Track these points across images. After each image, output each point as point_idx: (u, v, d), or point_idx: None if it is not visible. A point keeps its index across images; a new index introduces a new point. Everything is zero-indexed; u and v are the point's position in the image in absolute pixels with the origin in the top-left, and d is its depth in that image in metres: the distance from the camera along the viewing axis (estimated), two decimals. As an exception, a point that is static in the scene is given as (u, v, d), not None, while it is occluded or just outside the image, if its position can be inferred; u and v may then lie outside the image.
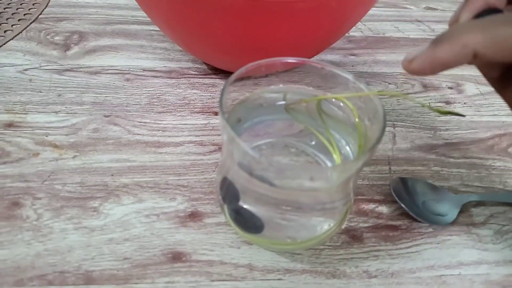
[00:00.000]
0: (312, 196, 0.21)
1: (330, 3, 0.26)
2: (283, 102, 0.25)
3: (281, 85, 0.24)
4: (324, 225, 0.23)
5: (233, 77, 0.21)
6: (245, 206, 0.22)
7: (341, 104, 0.24)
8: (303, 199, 0.21)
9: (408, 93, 0.38)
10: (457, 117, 0.37)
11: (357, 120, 0.23)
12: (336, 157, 0.24)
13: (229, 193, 0.22)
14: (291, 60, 0.23)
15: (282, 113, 0.25)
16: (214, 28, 0.28)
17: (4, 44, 0.39)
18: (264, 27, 0.27)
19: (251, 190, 0.21)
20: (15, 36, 0.40)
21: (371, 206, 0.28)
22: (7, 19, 0.43)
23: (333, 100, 0.24)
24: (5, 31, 0.41)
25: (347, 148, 0.24)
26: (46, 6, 0.45)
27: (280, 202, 0.21)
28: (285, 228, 0.23)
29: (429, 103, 0.38)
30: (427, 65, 0.17)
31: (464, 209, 0.28)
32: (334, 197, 0.22)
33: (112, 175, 0.28)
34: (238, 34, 0.28)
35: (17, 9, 0.44)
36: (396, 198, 0.27)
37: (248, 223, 0.22)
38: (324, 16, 0.27)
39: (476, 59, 0.16)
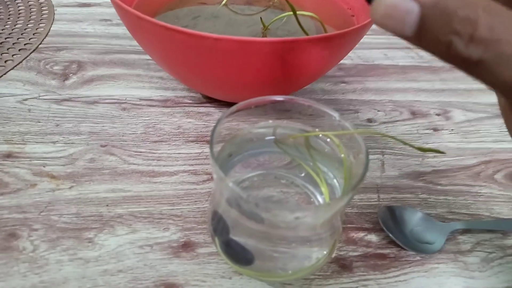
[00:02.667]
0: (300, 231, 0.21)
1: (315, 44, 0.27)
2: (272, 137, 0.26)
3: (270, 121, 0.25)
4: (314, 256, 0.23)
5: (222, 118, 0.22)
6: (235, 238, 0.22)
7: (328, 139, 0.25)
8: (291, 234, 0.22)
9: (396, 120, 0.40)
10: (444, 143, 0.38)
11: (342, 155, 0.24)
12: (323, 189, 0.25)
13: (219, 225, 0.23)
14: (279, 98, 0.24)
15: (272, 146, 0.26)
16: (207, 66, 0.29)
17: (4, 74, 0.40)
18: (255, 65, 0.28)
19: (241, 225, 0.22)
20: (15, 66, 0.42)
21: (360, 234, 0.29)
22: (8, 49, 0.44)
23: (320, 135, 0.25)
24: (5, 61, 0.42)
25: (335, 181, 0.25)
26: (46, 36, 0.47)
27: (269, 236, 0.22)
28: (276, 260, 0.23)
29: (417, 130, 0.39)
30: (392, 23, 0.15)
31: (451, 236, 0.29)
32: (321, 231, 0.22)
33: (107, 206, 0.29)
34: (229, 72, 0.29)
35: (18, 38, 0.46)
36: (384, 228, 0.28)
37: (238, 256, 0.23)
38: (310, 54, 0.28)
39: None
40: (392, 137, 0.22)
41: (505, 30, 0.14)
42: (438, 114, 0.41)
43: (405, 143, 0.21)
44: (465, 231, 0.30)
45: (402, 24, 0.15)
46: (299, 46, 0.27)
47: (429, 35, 0.14)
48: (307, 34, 0.34)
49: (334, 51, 0.30)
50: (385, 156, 0.35)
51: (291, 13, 0.34)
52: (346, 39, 0.29)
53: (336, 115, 0.23)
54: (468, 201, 0.32)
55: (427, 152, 0.36)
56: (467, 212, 0.31)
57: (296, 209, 0.19)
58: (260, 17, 0.36)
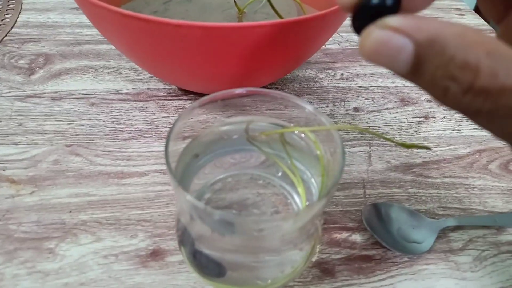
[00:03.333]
0: (270, 241, 0.19)
1: (288, 27, 0.24)
2: (243, 134, 0.23)
3: (239, 117, 0.23)
4: (291, 263, 0.21)
5: (182, 116, 0.19)
6: (202, 250, 0.20)
7: (303, 135, 0.22)
8: (262, 244, 0.19)
9: (385, 109, 0.37)
10: (436, 132, 0.36)
11: (319, 153, 0.21)
12: (300, 190, 0.23)
13: (184, 235, 0.21)
14: (247, 91, 0.21)
15: (245, 144, 0.24)
16: (174, 56, 0.26)
17: (-35, 70, 0.38)
18: (227, 53, 0.26)
19: (206, 237, 0.19)
20: (-23, 61, 0.39)
21: (344, 235, 0.27)
22: (-30, 42, 0.41)
23: (296, 131, 0.23)
24: (-33, 56, 0.39)
25: (312, 180, 0.23)
26: (12, 27, 0.44)
27: (238, 248, 0.20)
28: (251, 270, 0.21)
29: (406, 118, 0.37)
30: (381, 60, 0.13)
31: (441, 234, 0.27)
32: (295, 238, 0.20)
33: (70, 212, 0.27)
34: (200, 62, 0.27)
35: (-19, 31, 0.43)
36: (368, 228, 0.26)
37: (208, 268, 0.21)
38: (284, 40, 0.25)
39: None
40: (371, 132, 0.19)
41: (511, 77, 0.11)
42: (429, 101, 0.39)
43: (386, 139, 0.19)
44: (456, 228, 0.28)
45: (393, 62, 0.13)
46: (270, 31, 0.24)
47: (425, 76, 0.13)
48: (281, 18, 0.31)
49: (313, 36, 0.28)
50: (372, 148, 0.33)
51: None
52: (325, 22, 0.26)
53: (311, 108, 0.21)
54: (461, 195, 0.30)
55: (417, 141, 0.34)
56: (459, 206, 0.29)
57: (261, 221, 0.17)
58: (234, 0, 0.34)
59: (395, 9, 0.14)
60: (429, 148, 0.19)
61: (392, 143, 0.34)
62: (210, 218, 0.17)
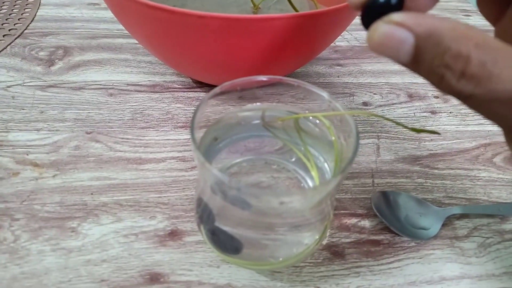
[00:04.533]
0: (288, 217, 0.20)
1: (305, 20, 0.26)
2: (260, 121, 0.25)
3: (258, 103, 0.24)
4: (304, 242, 0.23)
5: (204, 100, 0.21)
6: (221, 227, 0.21)
7: (318, 121, 0.24)
8: (279, 220, 0.21)
9: (393, 103, 0.38)
10: (442, 126, 0.37)
11: (333, 138, 0.22)
12: (314, 174, 0.24)
13: (205, 213, 0.22)
14: (264, 78, 0.22)
15: (261, 130, 0.25)
16: (194, 46, 0.28)
17: (-12, 60, 0.39)
18: (244, 45, 0.27)
19: (226, 212, 0.21)
20: (-1, 52, 0.40)
21: (354, 220, 0.28)
22: (-8, 34, 0.43)
23: (311, 117, 0.24)
24: (-11, 47, 0.41)
25: (326, 165, 0.24)
26: (31, 21, 0.45)
27: (256, 223, 0.21)
28: (265, 248, 0.22)
29: (414, 113, 0.38)
30: (388, 50, 0.15)
31: (447, 222, 0.28)
32: (311, 216, 0.21)
33: (91, 194, 0.28)
34: (218, 53, 0.28)
35: (2, 24, 0.44)
36: (377, 213, 0.27)
37: (225, 244, 0.22)
38: (300, 33, 0.27)
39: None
40: (384, 117, 0.20)
41: (498, 66, 0.13)
42: (436, 97, 0.40)
43: (397, 123, 0.20)
44: (462, 216, 0.29)
45: (396, 53, 0.15)
46: (287, 24, 0.25)
47: (424, 65, 0.15)
48: (297, 11, 0.33)
49: (326, 30, 0.29)
50: (380, 140, 0.34)
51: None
52: (338, 16, 0.28)
53: (325, 95, 0.22)
54: (466, 185, 0.31)
55: (424, 135, 0.35)
56: (464, 196, 0.30)
57: (281, 194, 0.18)
58: (250, -4, 0.35)
59: (399, 7, 0.16)
60: (438, 133, 0.20)
61: (399, 137, 0.35)
62: (232, 192, 0.18)
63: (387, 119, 0.21)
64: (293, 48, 0.29)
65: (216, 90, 0.22)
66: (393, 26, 0.15)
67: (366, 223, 0.28)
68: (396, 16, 0.15)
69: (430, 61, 0.14)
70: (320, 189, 0.18)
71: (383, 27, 0.15)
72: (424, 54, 0.14)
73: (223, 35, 0.26)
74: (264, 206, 0.19)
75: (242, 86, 0.23)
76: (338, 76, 0.41)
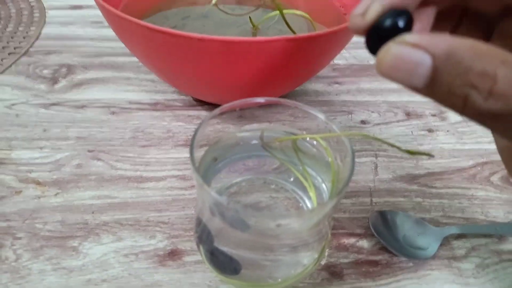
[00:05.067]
0: (285, 238, 0.21)
1: (302, 42, 0.26)
2: (259, 140, 0.25)
3: (255, 124, 0.25)
4: (302, 263, 0.23)
5: (204, 121, 0.21)
6: (219, 247, 0.22)
7: (315, 142, 0.24)
8: (276, 241, 0.21)
9: (390, 122, 0.39)
10: (440, 145, 0.37)
11: (330, 159, 0.23)
12: (312, 194, 0.24)
13: (203, 233, 0.22)
14: (262, 100, 0.23)
15: (260, 150, 0.26)
16: (194, 67, 0.28)
17: (-7, 78, 0.40)
18: (243, 66, 0.28)
19: (225, 233, 0.21)
20: (4, 70, 0.41)
21: (352, 240, 0.28)
22: (-3, 53, 0.44)
23: (308, 138, 0.24)
24: (-6, 66, 0.41)
25: (323, 185, 0.24)
26: (36, 39, 0.46)
27: (255, 244, 0.21)
28: (264, 268, 0.22)
29: (411, 131, 0.38)
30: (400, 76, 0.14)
31: (445, 241, 0.28)
32: (308, 237, 0.22)
33: (92, 213, 0.28)
34: (217, 73, 0.29)
35: (7, 42, 0.45)
36: (375, 234, 0.27)
37: (224, 265, 0.22)
38: (297, 54, 0.27)
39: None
40: (379, 139, 0.21)
41: None
42: (433, 115, 0.40)
43: (392, 145, 0.21)
44: (459, 236, 0.29)
45: (411, 76, 0.14)
46: (285, 46, 0.26)
47: (443, 87, 0.14)
48: (295, 33, 0.33)
49: (323, 51, 0.29)
50: (378, 158, 0.35)
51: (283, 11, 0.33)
52: (335, 38, 0.28)
53: (322, 117, 0.23)
54: (463, 204, 0.31)
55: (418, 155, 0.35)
56: (462, 216, 0.30)
57: (278, 217, 0.19)
58: (249, 17, 0.36)
59: (408, 29, 0.15)
60: (432, 155, 0.20)
61: (397, 155, 0.35)
62: (230, 214, 0.19)
63: (381, 140, 0.21)
64: (291, 69, 0.29)
65: (216, 112, 0.22)
66: (408, 48, 0.14)
67: (364, 243, 0.28)
68: (410, 37, 0.14)
69: (450, 83, 0.13)
70: (317, 211, 0.19)
71: (396, 48, 0.14)
72: (443, 75, 0.13)
73: (222, 57, 0.26)
74: (261, 227, 0.19)
75: (241, 107, 0.23)
76: (336, 94, 0.42)
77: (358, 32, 0.16)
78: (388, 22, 0.15)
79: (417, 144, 0.37)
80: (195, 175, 0.19)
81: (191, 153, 0.19)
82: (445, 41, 0.13)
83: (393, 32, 0.15)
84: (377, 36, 0.15)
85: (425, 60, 0.13)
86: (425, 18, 0.19)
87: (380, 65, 0.14)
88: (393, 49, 0.14)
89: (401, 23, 0.15)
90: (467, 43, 0.13)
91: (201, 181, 0.18)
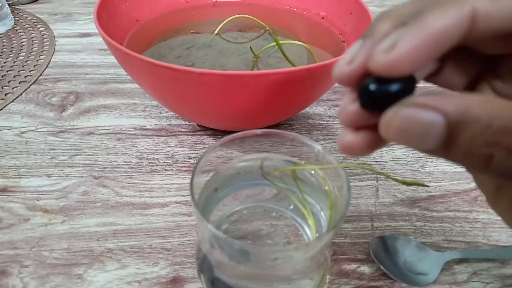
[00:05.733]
0: (283, 270, 0.21)
1: (300, 74, 0.27)
2: (259, 169, 0.26)
3: (256, 154, 0.25)
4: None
5: (205, 154, 0.22)
6: (220, 277, 0.22)
7: (313, 172, 0.25)
8: (275, 272, 0.21)
9: (391, 144, 0.39)
10: (441, 167, 0.37)
11: (327, 188, 0.23)
12: (311, 223, 0.25)
13: (204, 263, 0.23)
14: (262, 132, 0.24)
15: (260, 179, 0.26)
16: (196, 98, 0.29)
17: (4, 107, 0.41)
18: (244, 96, 0.29)
19: (224, 264, 0.21)
20: (15, 99, 0.43)
21: (353, 266, 0.28)
22: (9, 81, 0.45)
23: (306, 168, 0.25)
24: (6, 94, 0.43)
25: (322, 213, 0.25)
26: (46, 67, 0.48)
27: (254, 275, 0.21)
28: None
29: (412, 154, 0.38)
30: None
31: (446, 266, 0.28)
32: (306, 267, 0.22)
33: (98, 240, 0.29)
34: (219, 103, 0.30)
35: (19, 71, 0.47)
36: (376, 260, 0.27)
37: (224, 294, 0.23)
38: (295, 85, 0.28)
39: (472, 31, 0.13)
40: (375, 171, 0.21)
41: None
42: (434, 137, 0.41)
43: (388, 176, 0.21)
44: (461, 260, 0.29)
45: (424, 139, 0.13)
46: (284, 78, 0.27)
47: (460, 148, 0.13)
48: (293, 65, 0.34)
49: (322, 81, 0.30)
50: (379, 182, 0.35)
51: (281, 41, 0.34)
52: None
53: (319, 148, 0.23)
54: (465, 228, 0.31)
55: (422, 176, 0.36)
56: (463, 240, 0.31)
57: (276, 251, 0.19)
58: (250, 47, 0.37)
59: (411, 92, 0.14)
60: (428, 186, 0.21)
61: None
62: (229, 247, 0.19)
63: (377, 172, 0.21)
64: (291, 99, 0.30)
65: (216, 144, 0.23)
66: (417, 109, 0.13)
67: (365, 268, 0.28)
68: (418, 98, 0.13)
69: (469, 142, 0.12)
70: (314, 244, 0.19)
71: (405, 111, 0.13)
72: (460, 135, 0.12)
73: (222, 89, 0.27)
74: (260, 260, 0.19)
75: (241, 138, 0.24)
76: (337, 117, 0.42)
77: (343, 81, 0.15)
78: (395, 87, 0.14)
79: (418, 167, 0.37)
80: (194, 210, 0.19)
81: (191, 188, 0.20)
82: (456, 99, 0.13)
83: (397, 96, 0.14)
84: (377, 97, 0.14)
85: (438, 121, 0.13)
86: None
87: (387, 129, 0.13)
88: (402, 111, 0.13)
89: (408, 88, 0.14)
90: (479, 99, 0.13)
91: (200, 216, 0.19)
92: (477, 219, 0.32)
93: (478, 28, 0.13)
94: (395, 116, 0.13)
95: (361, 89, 0.15)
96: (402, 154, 0.38)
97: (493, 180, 0.18)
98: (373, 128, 0.15)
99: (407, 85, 0.14)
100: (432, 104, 0.13)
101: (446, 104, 0.13)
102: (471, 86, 0.18)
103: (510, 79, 0.16)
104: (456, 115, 0.12)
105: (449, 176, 0.36)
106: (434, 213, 0.32)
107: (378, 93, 0.14)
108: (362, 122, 0.15)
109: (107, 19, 0.35)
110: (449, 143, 0.13)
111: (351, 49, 0.15)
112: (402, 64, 0.13)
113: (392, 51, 0.13)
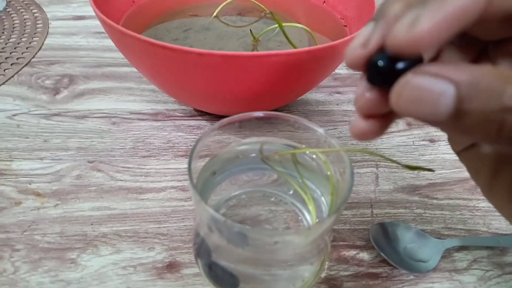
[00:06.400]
0: (283, 254, 0.20)
1: (302, 57, 0.26)
2: (258, 153, 0.25)
3: (254, 138, 0.24)
4: (302, 277, 0.23)
5: (203, 137, 0.21)
6: (218, 262, 0.22)
7: (314, 156, 0.24)
8: (274, 256, 0.21)
9: (392, 131, 0.39)
10: (441, 155, 0.37)
11: (329, 173, 0.23)
12: (311, 208, 0.24)
13: (202, 247, 0.22)
14: (262, 114, 0.23)
15: (259, 163, 0.26)
16: (194, 81, 0.28)
17: (-5, 89, 0.40)
18: (243, 79, 0.28)
19: (223, 248, 0.21)
20: (6, 81, 0.41)
21: (352, 252, 0.28)
22: (0, 63, 0.44)
23: (307, 152, 0.24)
24: (-3, 76, 0.42)
25: (322, 198, 0.24)
26: (39, 50, 0.47)
27: (253, 260, 0.21)
28: (262, 283, 0.22)
29: (413, 141, 0.38)
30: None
31: (446, 254, 0.28)
32: (307, 252, 0.21)
33: (92, 224, 0.28)
34: (217, 86, 0.29)
35: (11, 53, 0.46)
36: (376, 247, 0.27)
37: (222, 279, 0.22)
38: (296, 68, 0.27)
39: (487, 11, 0.13)
40: (378, 154, 0.21)
41: None
42: (435, 125, 0.40)
43: (392, 161, 0.21)
44: (461, 248, 0.28)
45: (434, 108, 0.13)
46: (284, 60, 0.26)
47: (471, 116, 0.13)
48: (295, 47, 0.33)
49: (323, 64, 0.29)
50: (379, 169, 0.34)
51: (283, 24, 0.33)
52: (335, 51, 0.28)
53: (321, 131, 0.23)
54: (465, 216, 0.31)
55: (423, 163, 0.35)
56: (463, 227, 0.30)
57: (276, 234, 0.19)
58: (250, 29, 0.36)
59: (421, 61, 0.14)
60: (432, 171, 0.20)
61: (398, 166, 0.35)
62: (228, 230, 0.19)
63: (381, 156, 0.21)
64: (291, 82, 0.29)
65: (215, 126, 0.22)
66: (429, 78, 0.13)
67: (365, 255, 0.28)
68: (430, 67, 0.13)
69: (481, 109, 0.12)
70: (315, 228, 0.19)
71: (417, 79, 0.13)
72: (471, 104, 0.13)
73: (221, 71, 0.26)
74: (259, 244, 0.19)
75: (240, 121, 0.23)
76: (337, 104, 0.42)
77: (352, 67, 0.15)
78: (405, 64, 0.14)
79: (419, 154, 0.36)
80: (192, 191, 0.19)
81: (189, 169, 0.19)
82: (467, 69, 0.13)
83: (407, 64, 0.14)
84: (387, 67, 0.14)
85: (447, 89, 0.13)
86: None
87: (397, 99, 0.13)
88: (412, 81, 0.13)
89: (415, 65, 0.14)
90: (490, 68, 0.13)
91: (199, 198, 0.18)
92: (478, 207, 0.32)
93: (492, 9, 0.13)
94: (407, 85, 0.13)
95: (370, 64, 0.14)
96: (403, 142, 0.38)
97: (487, 170, 0.18)
98: (385, 116, 0.16)
99: (416, 64, 0.13)
100: (444, 73, 0.13)
101: (458, 74, 0.13)
102: None
103: (505, 64, 0.16)
104: (467, 84, 0.12)
105: (449, 164, 0.36)
106: (434, 201, 0.32)
107: (387, 69, 0.14)
108: (378, 110, 0.15)
109: (102, -2, 0.34)
110: (459, 112, 0.13)
111: (363, 32, 0.15)
112: (424, 40, 0.13)
113: (415, 26, 0.13)
